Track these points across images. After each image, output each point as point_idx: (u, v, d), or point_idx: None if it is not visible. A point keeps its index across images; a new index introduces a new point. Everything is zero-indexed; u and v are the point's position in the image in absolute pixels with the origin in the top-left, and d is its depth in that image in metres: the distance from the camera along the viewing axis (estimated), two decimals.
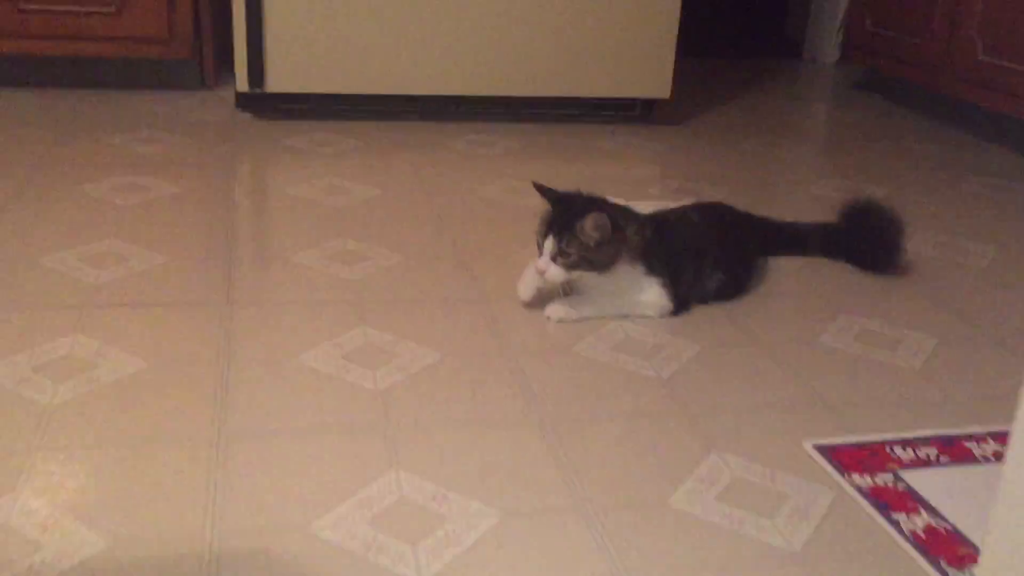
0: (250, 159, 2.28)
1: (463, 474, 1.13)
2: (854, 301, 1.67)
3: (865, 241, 1.80)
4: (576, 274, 1.48)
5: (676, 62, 2.66)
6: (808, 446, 1.23)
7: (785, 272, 1.78)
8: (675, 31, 2.62)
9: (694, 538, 1.05)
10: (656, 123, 2.78)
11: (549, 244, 1.45)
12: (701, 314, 1.59)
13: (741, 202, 1.97)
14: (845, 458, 1.20)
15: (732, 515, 1.09)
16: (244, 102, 2.56)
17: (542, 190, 1.51)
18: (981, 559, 0.91)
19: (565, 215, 1.46)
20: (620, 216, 1.48)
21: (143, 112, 2.56)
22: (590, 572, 0.99)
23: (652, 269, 1.54)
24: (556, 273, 1.46)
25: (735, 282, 1.67)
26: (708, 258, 1.61)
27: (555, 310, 1.53)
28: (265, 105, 2.57)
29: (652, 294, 1.55)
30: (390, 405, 1.26)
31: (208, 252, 1.70)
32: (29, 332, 1.38)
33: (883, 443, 1.24)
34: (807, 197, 2.24)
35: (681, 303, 1.57)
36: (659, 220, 1.62)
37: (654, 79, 2.66)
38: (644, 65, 2.64)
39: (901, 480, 1.17)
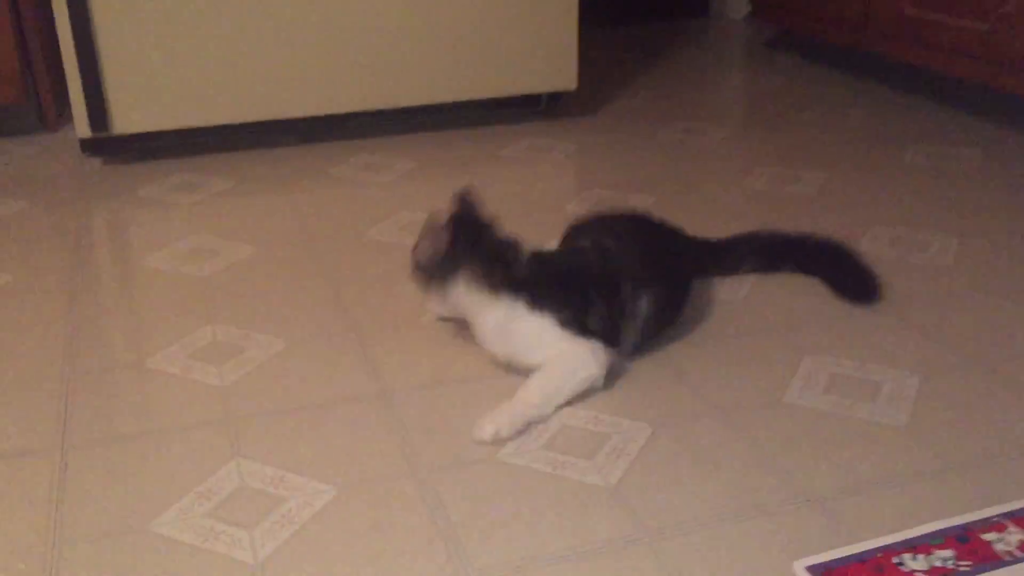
0: (97, 222, 1.94)
1: None
2: (815, 334, 1.44)
3: (837, 271, 1.59)
4: (436, 298, 1.35)
5: (579, 49, 2.39)
6: (800, 569, 0.99)
7: (730, 305, 1.54)
8: (575, 15, 2.34)
9: None
10: (564, 116, 2.51)
11: None
12: (645, 376, 1.34)
13: (671, 210, 1.72)
14: None
15: None
16: (91, 146, 2.21)
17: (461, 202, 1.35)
18: None
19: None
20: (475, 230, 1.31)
21: None
22: None
23: (536, 303, 1.27)
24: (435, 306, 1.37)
25: (671, 302, 1.42)
26: (628, 281, 1.33)
27: (485, 430, 1.20)
28: (117, 146, 2.22)
29: (551, 336, 1.27)
30: None
31: (41, 370, 1.38)
32: None
33: (888, 551, 1.01)
34: (743, 194, 2.00)
35: (606, 339, 1.30)
36: (551, 252, 1.40)
37: (558, 70, 2.38)
38: (545, 56, 2.36)
39: None
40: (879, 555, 1.00)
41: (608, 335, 1.30)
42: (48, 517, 1.08)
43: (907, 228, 1.81)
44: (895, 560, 1.00)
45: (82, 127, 2.09)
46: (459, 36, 2.27)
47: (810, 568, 0.99)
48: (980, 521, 1.05)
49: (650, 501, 1.09)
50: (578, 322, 1.27)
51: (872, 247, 1.72)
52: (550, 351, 1.27)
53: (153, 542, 1.04)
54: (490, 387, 1.31)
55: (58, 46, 2.03)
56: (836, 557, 1.00)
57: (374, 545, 1.03)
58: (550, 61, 2.36)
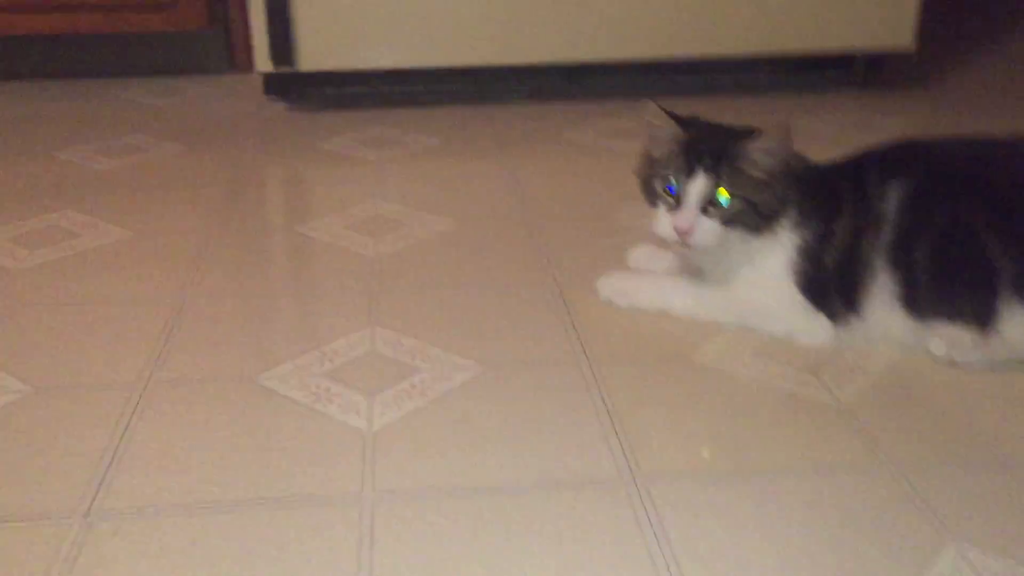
0: (267, 173, 1.49)
1: None
2: None
3: None
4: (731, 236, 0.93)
5: None
6: None
7: None
8: None
9: None
10: (886, 89, 1.84)
11: (698, 187, 0.91)
12: None
13: None
14: None
15: None
16: (276, 86, 1.78)
17: (666, 112, 0.97)
18: None
19: (717, 138, 0.94)
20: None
21: (132, 109, 1.81)
22: None
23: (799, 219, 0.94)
24: (709, 232, 0.92)
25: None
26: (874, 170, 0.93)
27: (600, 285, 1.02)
28: (306, 89, 1.78)
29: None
30: None
31: (116, 371, 0.90)
32: None
33: None
34: None
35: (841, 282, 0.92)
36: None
37: (888, 23, 1.72)
38: (870, 4, 1.70)
39: None
40: None
41: (847, 273, 0.92)
42: None
43: None
44: None
45: (263, 59, 1.65)
46: None
47: None
48: None
49: None
50: (816, 255, 0.93)
51: None
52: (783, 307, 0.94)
53: None
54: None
55: None
56: None
57: None
58: (877, 11, 1.71)
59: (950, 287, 0.89)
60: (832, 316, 0.93)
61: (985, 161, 0.93)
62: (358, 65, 1.68)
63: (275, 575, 0.64)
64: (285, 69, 1.66)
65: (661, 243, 1.00)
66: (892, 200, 0.91)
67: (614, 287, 1.02)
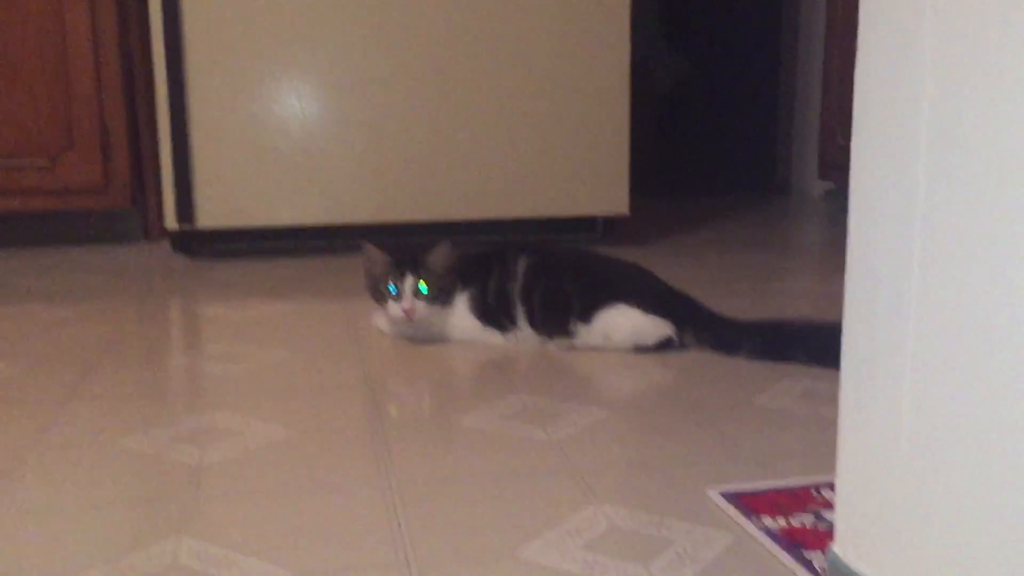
0: (167, 304, 2.14)
1: None
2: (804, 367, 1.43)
3: None
4: (433, 309, 1.55)
5: (632, 176, 2.53)
6: (713, 493, 0.97)
7: None
8: (626, 143, 2.51)
9: None
10: (619, 244, 2.62)
11: (409, 283, 1.51)
12: (621, 377, 1.36)
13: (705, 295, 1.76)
14: (756, 503, 0.94)
15: (596, 562, 0.82)
16: (181, 244, 2.45)
17: (378, 247, 1.56)
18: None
19: (411, 256, 1.54)
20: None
21: (57, 267, 2.45)
22: None
23: (463, 284, 1.60)
24: (421, 309, 1.52)
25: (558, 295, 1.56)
26: (512, 249, 1.62)
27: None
28: (205, 247, 2.45)
29: (469, 320, 1.59)
30: None
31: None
32: None
33: (809, 487, 0.98)
34: (774, 292, 2.03)
35: (503, 311, 1.59)
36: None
37: (610, 195, 2.52)
38: (598, 180, 2.51)
39: (823, 520, 0.90)
40: (799, 489, 0.97)
41: (504, 306, 1.58)
42: None
43: None
44: (812, 491, 0.96)
45: (170, 218, 2.34)
46: (519, 156, 2.46)
47: (724, 493, 0.96)
48: None
49: (583, 451, 1.09)
50: (482, 299, 1.59)
51: None
52: (474, 331, 1.61)
53: None
54: None
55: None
56: (753, 487, 0.98)
57: None
58: (604, 186, 2.51)
59: (552, 316, 1.56)
60: (501, 329, 1.59)
61: (576, 256, 1.67)
62: (242, 223, 2.38)
63: None
64: (186, 226, 2.34)
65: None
66: (522, 267, 1.59)
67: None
